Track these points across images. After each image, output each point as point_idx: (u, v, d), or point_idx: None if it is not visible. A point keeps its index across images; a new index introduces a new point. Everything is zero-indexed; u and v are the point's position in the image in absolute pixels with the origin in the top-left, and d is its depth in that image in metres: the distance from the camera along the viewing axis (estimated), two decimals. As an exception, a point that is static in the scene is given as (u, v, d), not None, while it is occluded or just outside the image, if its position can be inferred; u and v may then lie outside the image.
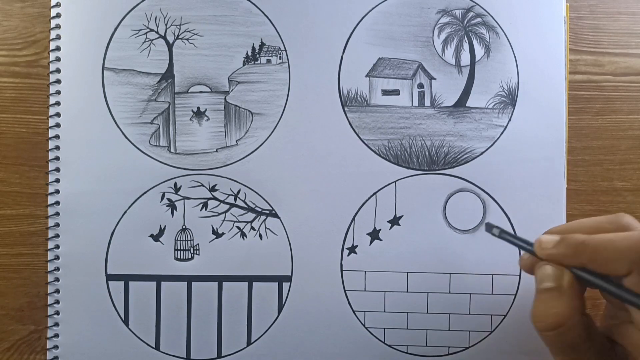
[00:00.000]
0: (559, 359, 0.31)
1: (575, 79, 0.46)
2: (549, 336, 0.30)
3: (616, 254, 0.27)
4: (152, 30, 0.44)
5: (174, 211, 0.44)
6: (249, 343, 0.44)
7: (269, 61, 0.44)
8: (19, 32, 0.45)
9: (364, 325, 0.44)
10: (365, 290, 0.44)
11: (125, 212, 0.44)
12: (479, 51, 0.45)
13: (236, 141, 0.44)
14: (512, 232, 0.36)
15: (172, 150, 0.44)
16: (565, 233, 0.31)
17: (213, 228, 0.44)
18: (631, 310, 0.29)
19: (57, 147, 0.43)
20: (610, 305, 0.34)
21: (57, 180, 0.43)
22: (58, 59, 0.44)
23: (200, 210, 0.44)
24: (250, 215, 0.44)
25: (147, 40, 0.44)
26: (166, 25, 0.44)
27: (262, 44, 0.44)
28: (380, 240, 0.44)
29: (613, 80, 0.46)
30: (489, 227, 0.36)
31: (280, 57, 0.44)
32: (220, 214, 0.44)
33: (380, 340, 0.44)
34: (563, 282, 0.30)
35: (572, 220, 0.44)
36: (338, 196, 0.44)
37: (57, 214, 0.43)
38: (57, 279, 0.43)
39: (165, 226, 0.44)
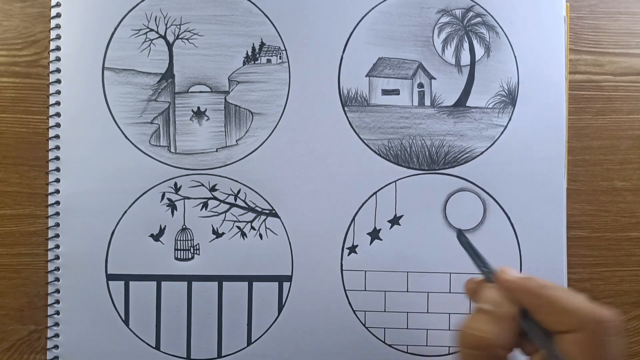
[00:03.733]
0: None
1: (575, 79, 0.46)
2: (468, 355, 0.30)
3: (572, 307, 0.28)
4: (152, 30, 0.44)
5: (174, 211, 0.44)
6: (249, 343, 0.44)
7: (269, 61, 0.44)
8: (19, 32, 0.45)
9: (364, 325, 0.44)
10: (365, 290, 0.44)
11: (125, 212, 0.43)
12: (479, 51, 0.45)
13: (236, 141, 0.44)
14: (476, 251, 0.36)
15: (172, 150, 0.44)
16: None
17: (213, 228, 0.44)
18: None
19: (57, 147, 0.43)
20: None
21: (57, 180, 0.43)
22: (58, 59, 0.44)
23: (201, 210, 0.44)
24: (250, 215, 0.44)
25: (147, 40, 0.44)
26: (166, 25, 0.44)
27: (262, 44, 0.44)
28: (381, 240, 0.44)
29: (613, 80, 0.46)
30: (459, 234, 0.36)
31: (280, 57, 0.44)
32: (220, 213, 0.44)
33: (380, 340, 0.44)
34: (502, 310, 0.30)
35: (571, 218, 0.44)
36: (338, 196, 0.44)
37: (57, 214, 0.43)
38: (57, 279, 0.43)
39: (165, 226, 0.44)
